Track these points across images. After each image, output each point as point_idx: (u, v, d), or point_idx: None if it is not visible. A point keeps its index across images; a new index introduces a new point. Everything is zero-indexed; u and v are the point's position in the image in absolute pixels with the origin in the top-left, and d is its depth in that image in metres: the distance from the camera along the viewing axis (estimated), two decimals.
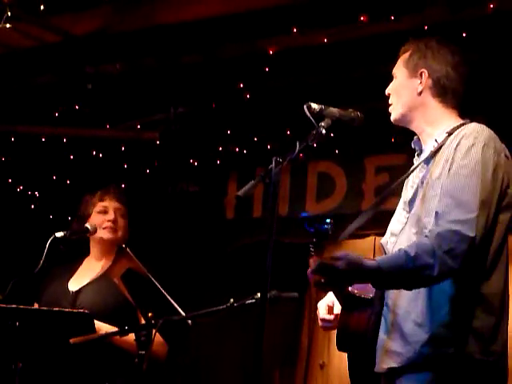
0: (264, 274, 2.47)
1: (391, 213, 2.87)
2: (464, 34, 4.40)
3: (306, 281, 2.58)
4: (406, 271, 2.48)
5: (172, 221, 6.29)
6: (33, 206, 6.52)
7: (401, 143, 5.15)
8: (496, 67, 4.77)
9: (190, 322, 3.34)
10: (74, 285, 3.89)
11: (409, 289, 2.57)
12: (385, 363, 2.64)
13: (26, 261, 3.90)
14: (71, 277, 3.93)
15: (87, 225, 3.92)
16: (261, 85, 5.31)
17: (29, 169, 6.38)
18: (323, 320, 2.87)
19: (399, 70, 2.87)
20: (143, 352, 3.23)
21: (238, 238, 6.19)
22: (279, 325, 5.83)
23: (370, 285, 2.61)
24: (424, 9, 4.37)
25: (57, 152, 6.18)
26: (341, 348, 2.78)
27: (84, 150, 6.18)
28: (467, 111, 2.84)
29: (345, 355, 2.80)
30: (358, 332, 2.70)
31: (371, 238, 5.51)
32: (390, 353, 2.62)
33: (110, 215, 3.94)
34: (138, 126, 5.89)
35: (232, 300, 3.27)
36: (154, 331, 3.23)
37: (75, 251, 4.01)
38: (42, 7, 4.64)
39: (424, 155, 2.79)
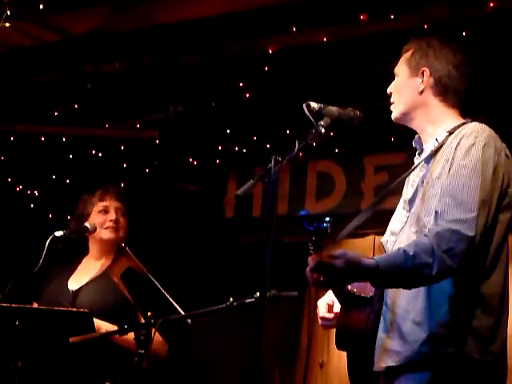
0: (263, 273, 2.46)
1: (391, 212, 2.87)
2: (464, 33, 4.40)
3: (305, 280, 2.57)
4: (404, 270, 2.48)
5: (171, 220, 6.27)
6: (32, 205, 6.52)
7: (400, 142, 5.14)
8: (496, 66, 4.76)
9: (189, 321, 3.34)
10: (73, 284, 3.88)
11: (407, 288, 2.57)
12: (383, 362, 2.63)
13: (26, 260, 3.89)
14: (70, 276, 3.92)
15: (87, 224, 3.91)
16: (260, 84, 5.30)
17: (28, 168, 6.38)
18: (323, 318, 2.87)
19: (401, 69, 2.87)
20: (142, 351, 3.23)
21: (237, 237, 6.19)
22: (279, 324, 5.83)
23: (369, 284, 2.61)
24: (423, 8, 4.37)
25: (56, 151, 6.18)
26: (340, 347, 2.78)
27: (83, 150, 6.17)
28: (468, 110, 2.84)
29: (344, 354, 2.80)
30: (357, 331, 2.70)
31: (371, 237, 5.51)
32: (389, 352, 2.62)
33: (112, 215, 3.94)
34: (138, 126, 5.89)
35: (231, 299, 3.27)
36: (153, 330, 3.23)
37: (74, 250, 4.01)
38: (41, 6, 4.64)
39: (425, 154, 2.78)
